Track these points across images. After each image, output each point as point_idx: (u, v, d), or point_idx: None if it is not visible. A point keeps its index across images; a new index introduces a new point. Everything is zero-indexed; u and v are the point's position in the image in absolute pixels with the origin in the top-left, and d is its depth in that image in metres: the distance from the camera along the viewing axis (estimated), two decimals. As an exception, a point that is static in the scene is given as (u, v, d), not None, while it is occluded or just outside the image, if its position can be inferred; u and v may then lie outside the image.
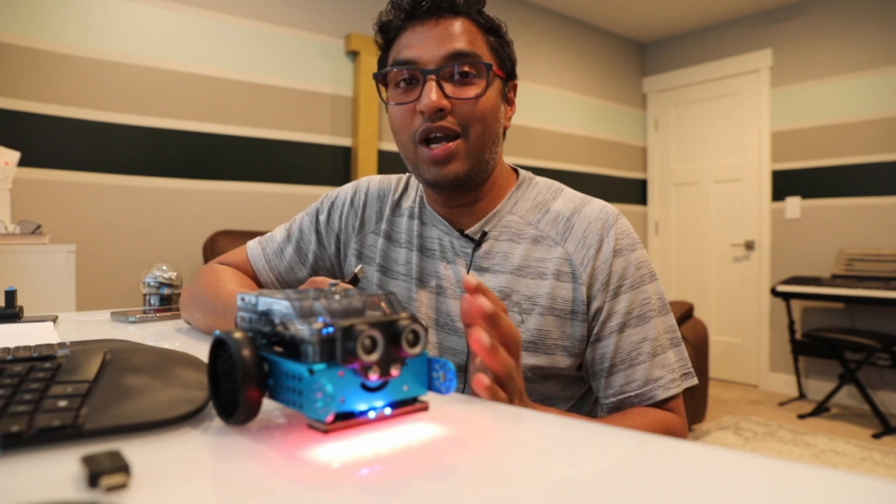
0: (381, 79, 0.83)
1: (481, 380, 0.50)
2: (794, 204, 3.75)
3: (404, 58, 0.77)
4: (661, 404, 0.76)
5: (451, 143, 0.77)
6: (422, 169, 0.80)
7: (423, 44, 0.77)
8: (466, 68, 0.77)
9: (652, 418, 0.74)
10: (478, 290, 0.51)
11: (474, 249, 0.83)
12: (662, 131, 4.46)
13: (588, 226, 0.80)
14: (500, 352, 0.51)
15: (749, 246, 3.95)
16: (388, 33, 0.81)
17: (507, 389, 0.53)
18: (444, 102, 0.75)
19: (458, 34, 0.77)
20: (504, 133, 0.85)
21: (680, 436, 0.73)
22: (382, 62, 0.84)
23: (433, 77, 0.75)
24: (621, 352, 0.76)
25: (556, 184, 0.88)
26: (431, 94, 0.74)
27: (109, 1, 2.35)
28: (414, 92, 0.78)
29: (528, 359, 0.78)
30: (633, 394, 0.76)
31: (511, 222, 0.84)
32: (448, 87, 0.76)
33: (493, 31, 0.82)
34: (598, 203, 0.83)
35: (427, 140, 0.77)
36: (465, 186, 0.80)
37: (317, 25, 2.90)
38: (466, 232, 0.84)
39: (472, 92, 0.77)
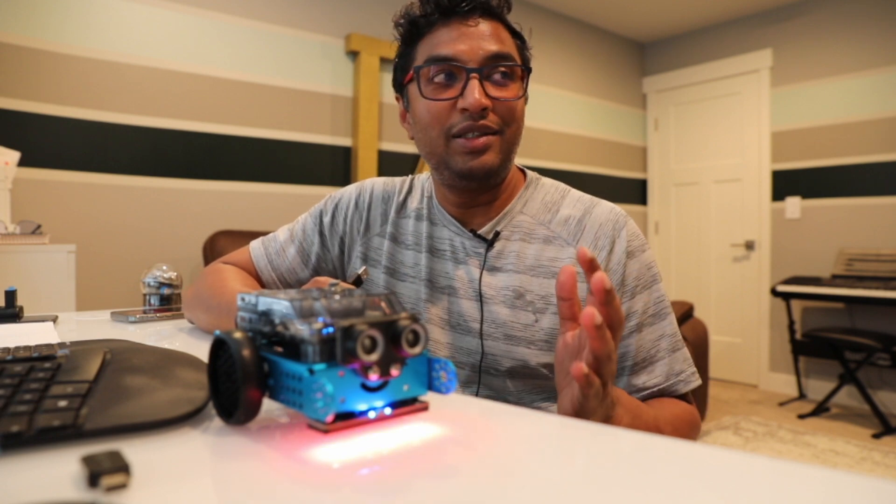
0: (411, 72, 0.82)
1: (580, 367, 0.50)
2: (794, 204, 3.75)
3: (444, 54, 0.77)
4: (681, 397, 0.79)
5: (489, 137, 0.78)
6: (453, 161, 0.79)
7: (465, 42, 0.77)
8: (506, 70, 0.78)
9: (684, 408, 0.77)
10: (593, 263, 0.51)
11: (487, 249, 0.83)
12: (662, 131, 4.46)
13: (599, 227, 0.81)
14: (606, 333, 0.51)
15: (749, 246, 3.95)
16: (419, 27, 0.81)
17: (602, 374, 0.52)
18: (488, 101, 0.76)
19: (497, 36, 0.78)
20: None
21: (698, 426, 0.78)
22: (406, 56, 0.83)
23: (476, 76, 0.76)
24: (642, 350, 0.78)
25: (562, 184, 0.90)
26: (475, 92, 0.75)
27: (109, 1, 2.35)
28: (452, 89, 0.78)
29: (543, 357, 0.78)
30: (655, 389, 0.77)
31: (522, 222, 0.84)
32: (488, 87, 0.77)
33: (518, 35, 0.83)
34: (606, 205, 0.84)
35: (461, 136, 0.78)
36: (491, 181, 0.81)
37: (317, 25, 2.90)
38: (479, 232, 0.84)
39: (510, 93, 0.78)
